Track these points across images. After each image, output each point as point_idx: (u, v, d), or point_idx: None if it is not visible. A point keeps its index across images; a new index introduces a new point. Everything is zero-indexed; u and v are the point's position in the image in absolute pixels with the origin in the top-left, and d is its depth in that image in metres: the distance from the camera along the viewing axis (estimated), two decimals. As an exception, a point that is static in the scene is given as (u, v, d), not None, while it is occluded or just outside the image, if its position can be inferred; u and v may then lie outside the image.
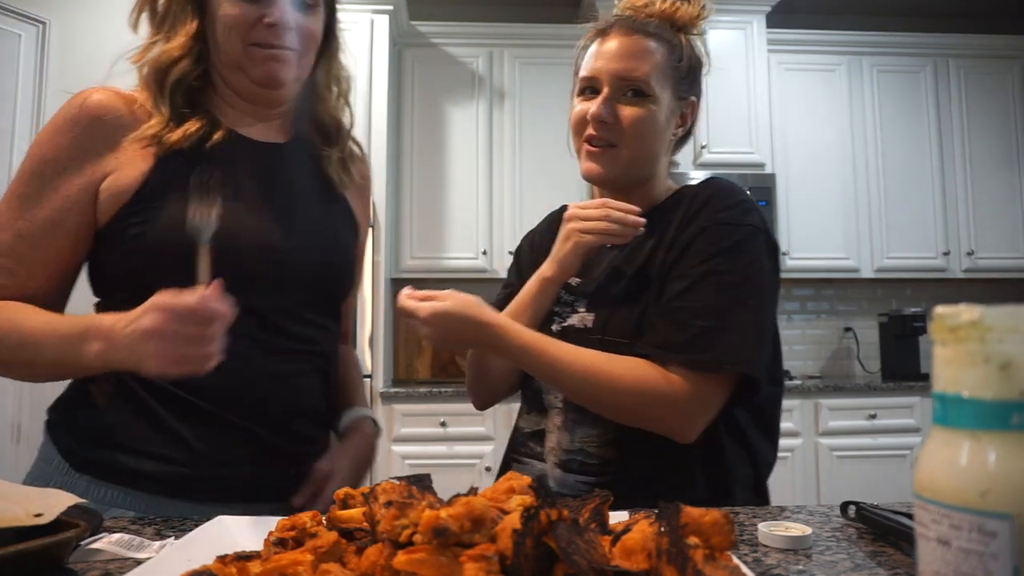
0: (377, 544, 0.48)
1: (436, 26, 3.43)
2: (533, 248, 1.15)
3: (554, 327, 1.00)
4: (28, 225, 0.83)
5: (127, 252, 0.83)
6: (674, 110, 0.98)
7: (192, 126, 0.86)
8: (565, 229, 0.97)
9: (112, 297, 0.87)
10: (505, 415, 2.97)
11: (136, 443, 0.81)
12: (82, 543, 0.58)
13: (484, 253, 3.37)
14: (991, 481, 0.30)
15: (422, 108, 3.42)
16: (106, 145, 0.84)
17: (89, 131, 0.84)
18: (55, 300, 0.86)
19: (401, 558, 0.43)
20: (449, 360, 3.59)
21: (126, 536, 0.62)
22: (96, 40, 2.54)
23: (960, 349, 0.32)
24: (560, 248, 0.97)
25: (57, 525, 0.52)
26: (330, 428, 0.99)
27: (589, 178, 0.99)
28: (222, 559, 0.48)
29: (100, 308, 0.89)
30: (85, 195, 0.83)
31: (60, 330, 0.77)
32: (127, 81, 0.92)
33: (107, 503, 0.80)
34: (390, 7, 3.15)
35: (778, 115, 3.44)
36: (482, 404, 1.15)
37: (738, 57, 3.40)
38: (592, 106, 0.94)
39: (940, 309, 0.33)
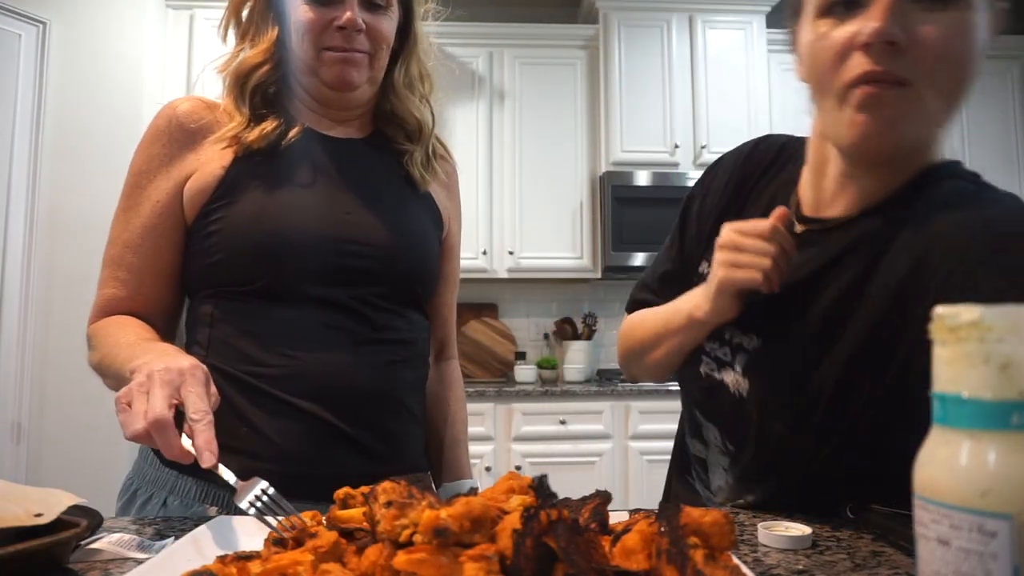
0: (377, 544, 0.48)
1: (436, 26, 3.42)
2: (700, 217, 0.86)
3: (702, 369, 0.81)
4: (130, 235, 0.88)
5: (208, 248, 0.85)
6: (990, 16, 0.64)
7: (269, 125, 0.89)
8: (716, 259, 0.73)
9: (197, 295, 0.89)
10: (504, 416, 2.98)
11: (220, 437, 0.78)
12: (82, 543, 0.58)
13: (484, 253, 3.37)
14: (991, 481, 0.30)
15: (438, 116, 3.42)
16: (189, 148, 0.88)
17: (174, 137, 0.89)
18: (170, 307, 0.90)
19: (401, 558, 0.44)
20: (449, 360, 3.59)
21: (127, 536, 0.62)
22: (96, 40, 2.54)
23: (959, 349, 0.32)
24: (710, 284, 0.74)
25: (57, 525, 0.52)
26: (422, 431, 0.97)
27: (863, 146, 0.65)
28: (222, 559, 0.48)
29: (190, 307, 0.90)
30: (173, 197, 0.87)
31: (122, 344, 0.78)
32: (214, 90, 0.96)
33: (191, 498, 0.81)
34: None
35: (778, 115, 3.44)
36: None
37: (738, 57, 3.40)
38: (870, 20, 0.60)
39: (940, 309, 0.33)
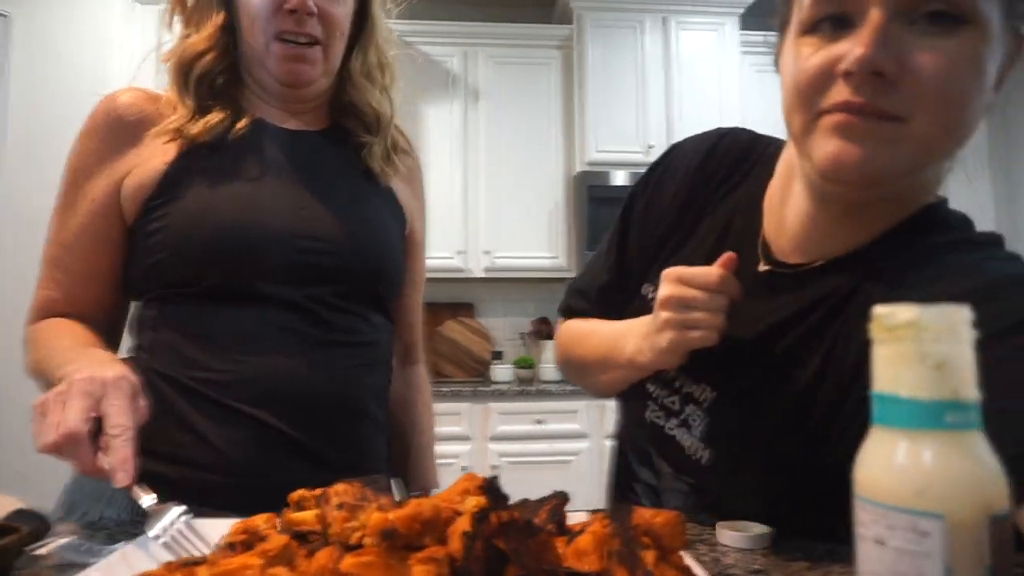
0: (328, 547, 0.48)
1: (411, 25, 3.41)
2: (646, 220, 0.79)
3: (648, 415, 0.74)
4: (66, 235, 0.84)
5: (150, 247, 0.81)
6: (1002, 46, 0.56)
7: (215, 117, 0.85)
8: (659, 317, 0.65)
9: (141, 297, 0.85)
10: (481, 415, 2.97)
11: (163, 447, 0.76)
12: (27, 549, 0.57)
13: (460, 252, 3.36)
14: (925, 481, 0.30)
15: (401, 103, 3.40)
16: (128, 143, 0.84)
17: (112, 132, 0.84)
18: (110, 309, 0.86)
19: (349, 561, 0.43)
20: (426, 359, 3.57)
21: (76, 541, 0.61)
22: (59, 33, 2.49)
23: (896, 349, 0.32)
24: (652, 337, 0.66)
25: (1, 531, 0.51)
26: (386, 438, 0.94)
27: (838, 175, 0.57)
28: (168, 565, 0.47)
29: (134, 310, 0.87)
30: (111, 196, 0.83)
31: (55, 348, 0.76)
32: (159, 81, 0.91)
33: (131, 512, 0.76)
34: (364, 5, 3.12)
35: (750, 116, 3.47)
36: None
37: (711, 58, 3.43)
38: (855, 46, 0.53)
39: (879, 308, 0.33)
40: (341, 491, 0.53)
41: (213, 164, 0.83)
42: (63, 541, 0.60)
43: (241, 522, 0.57)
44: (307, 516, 0.53)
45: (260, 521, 0.57)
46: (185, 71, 0.86)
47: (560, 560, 0.47)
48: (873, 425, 0.34)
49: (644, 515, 0.46)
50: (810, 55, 0.57)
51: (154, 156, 0.83)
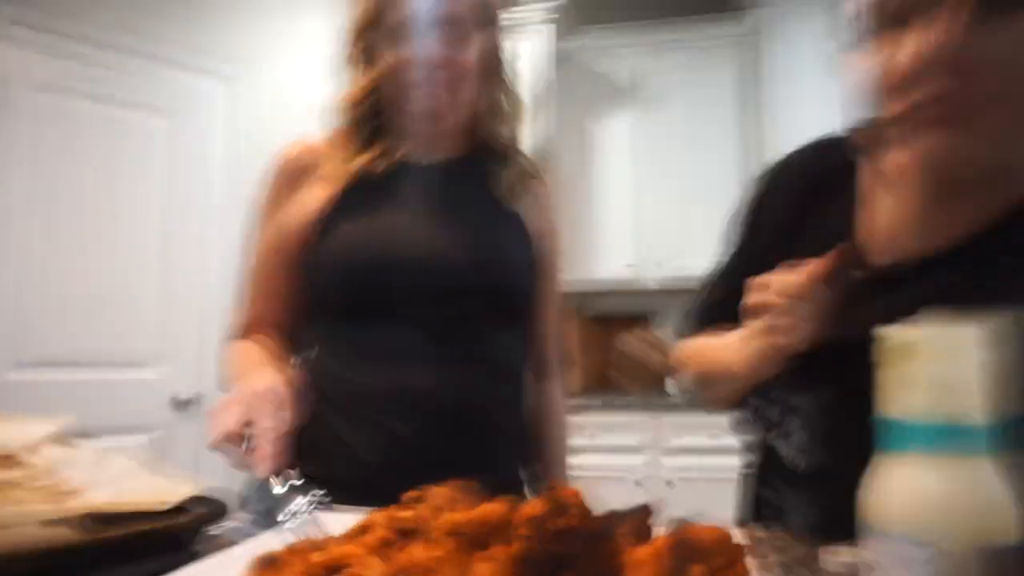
0: (420, 542, 0.54)
1: (581, 40, 3.49)
2: (756, 229, 0.80)
3: (752, 427, 0.77)
4: (251, 267, 1.02)
5: (310, 275, 0.96)
6: None
7: (362, 159, 0.98)
8: (748, 325, 0.67)
9: (307, 317, 1.00)
10: (655, 428, 2.94)
11: (313, 450, 0.88)
12: (205, 528, 0.70)
13: (633, 264, 3.35)
14: (915, 507, 0.30)
15: (570, 122, 3.49)
16: (295, 188, 1.00)
17: (282, 179, 1.02)
18: (286, 327, 1.01)
19: (421, 554, 0.49)
20: (601, 372, 3.60)
21: (244, 526, 0.73)
22: (285, 91, 2.89)
23: (895, 371, 0.32)
24: (744, 346, 0.67)
25: (181, 511, 0.64)
26: (521, 452, 1.01)
27: (927, 168, 0.58)
28: (292, 547, 0.56)
29: (302, 330, 1.02)
30: (281, 236, 0.99)
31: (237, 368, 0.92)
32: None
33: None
34: (537, 27, 3.25)
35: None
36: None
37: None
38: (920, 46, 0.53)
39: (881, 330, 0.33)
40: (437, 493, 0.59)
41: (361, 200, 0.96)
42: (234, 524, 0.73)
43: (366, 518, 0.65)
44: (408, 514, 0.60)
45: (379, 517, 0.65)
46: (343, 117, 1.01)
47: (620, 569, 0.49)
48: (877, 450, 0.33)
49: (697, 531, 0.47)
50: (880, 54, 0.57)
51: (314, 198, 0.98)
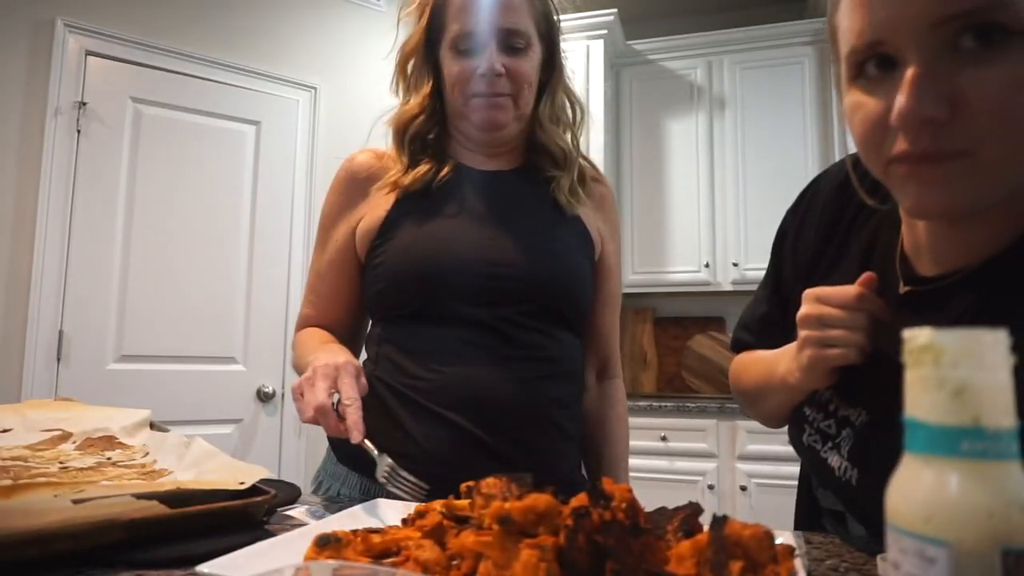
0: (471, 528, 0.57)
1: (653, 43, 3.47)
2: (796, 251, 0.80)
3: (806, 439, 0.73)
4: (320, 267, 1.08)
5: (374, 278, 1.01)
6: None
7: (423, 169, 1.02)
8: (800, 334, 0.66)
9: (372, 317, 1.07)
10: (728, 432, 2.88)
11: (379, 440, 0.91)
12: (279, 509, 0.75)
13: (707, 266, 3.30)
14: (934, 508, 0.30)
15: (641, 124, 3.48)
16: (360, 196, 1.05)
17: (348, 187, 1.06)
18: (351, 326, 1.08)
19: (471, 538, 0.52)
20: (675, 374, 3.56)
21: (314, 508, 0.78)
22: (358, 101, 3.01)
23: (917, 373, 0.32)
24: (797, 357, 0.68)
25: (256, 492, 0.69)
26: (576, 445, 1.03)
27: (928, 218, 0.60)
28: (354, 531, 0.60)
29: (369, 329, 1.09)
30: (349, 239, 1.04)
31: (306, 348, 0.98)
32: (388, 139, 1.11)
33: (359, 491, 0.97)
34: (604, 31, 3.26)
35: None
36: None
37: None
38: (899, 98, 0.50)
39: (905, 331, 0.33)
40: (490, 483, 0.62)
41: (421, 208, 1.00)
42: (305, 507, 0.78)
43: (423, 505, 0.69)
44: (463, 503, 0.63)
45: (437, 504, 0.69)
46: (402, 131, 1.04)
47: (664, 562, 0.50)
48: (904, 451, 0.33)
49: (736, 527, 0.47)
50: (861, 107, 0.54)
51: (378, 206, 1.02)
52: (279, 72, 2.89)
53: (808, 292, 0.65)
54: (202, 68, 2.75)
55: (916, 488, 0.31)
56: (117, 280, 2.55)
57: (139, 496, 0.61)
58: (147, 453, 0.92)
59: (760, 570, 0.46)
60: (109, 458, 0.86)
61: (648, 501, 0.59)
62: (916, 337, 0.32)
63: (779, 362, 0.73)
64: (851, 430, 0.67)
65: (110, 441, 0.96)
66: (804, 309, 0.65)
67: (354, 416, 0.78)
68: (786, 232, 0.82)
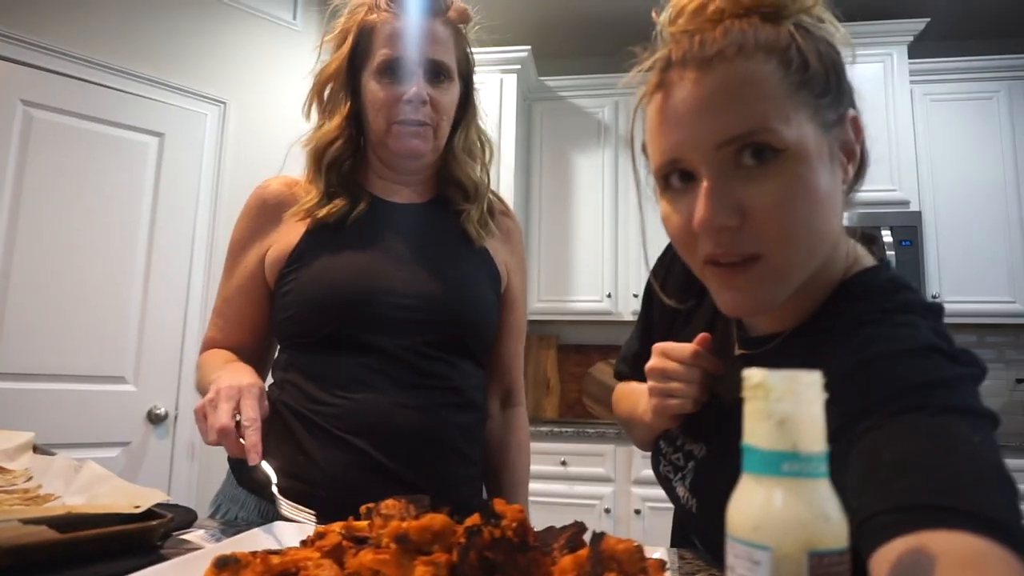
0: (369, 548, 0.60)
1: (563, 80, 3.61)
2: (661, 301, 0.86)
3: (661, 469, 0.81)
4: (227, 292, 1.07)
5: (283, 305, 1.01)
6: (826, 147, 0.59)
7: (338, 204, 1.02)
8: (647, 385, 0.76)
9: (279, 343, 1.07)
10: (625, 458, 2.99)
11: (283, 464, 0.93)
12: (175, 533, 0.75)
13: (609, 296, 3.43)
14: (761, 519, 0.36)
15: (550, 157, 3.60)
16: (271, 223, 1.06)
17: (258, 214, 1.07)
18: (256, 351, 1.07)
19: (369, 556, 0.55)
20: (576, 400, 3.66)
21: (210, 531, 0.78)
22: (270, 118, 2.97)
23: (752, 406, 0.38)
24: (650, 399, 0.77)
25: (151, 516, 0.69)
26: (477, 471, 1.06)
27: (740, 316, 0.69)
28: (253, 552, 0.61)
29: (279, 354, 1.08)
30: (257, 265, 1.05)
31: (210, 367, 0.98)
32: (303, 162, 1.10)
33: (257, 514, 0.97)
34: (518, 66, 3.37)
35: (923, 149, 3.23)
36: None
37: (877, 91, 3.25)
38: (698, 209, 0.58)
39: (745, 371, 0.39)
40: (389, 505, 0.65)
41: (333, 240, 1.01)
42: (203, 530, 0.78)
43: (323, 527, 0.71)
44: (362, 524, 0.66)
45: (336, 526, 0.71)
46: (320, 156, 1.05)
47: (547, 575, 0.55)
48: (734, 476, 0.39)
49: (611, 543, 0.53)
50: (669, 217, 0.63)
51: (288, 233, 1.03)
52: (186, 84, 2.82)
53: (656, 346, 0.75)
54: (102, 75, 2.63)
55: (749, 503, 0.37)
56: (-5, 293, 2.39)
57: (26, 521, 0.60)
58: (30, 478, 0.89)
59: (631, 580, 0.51)
60: (-12, 483, 0.83)
61: (548, 524, 0.64)
62: (752, 376, 0.38)
63: (640, 401, 0.82)
64: (694, 462, 0.75)
65: (-13, 465, 0.92)
66: (651, 362, 0.75)
67: (253, 438, 0.79)
68: (655, 277, 0.88)
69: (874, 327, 0.60)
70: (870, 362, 0.56)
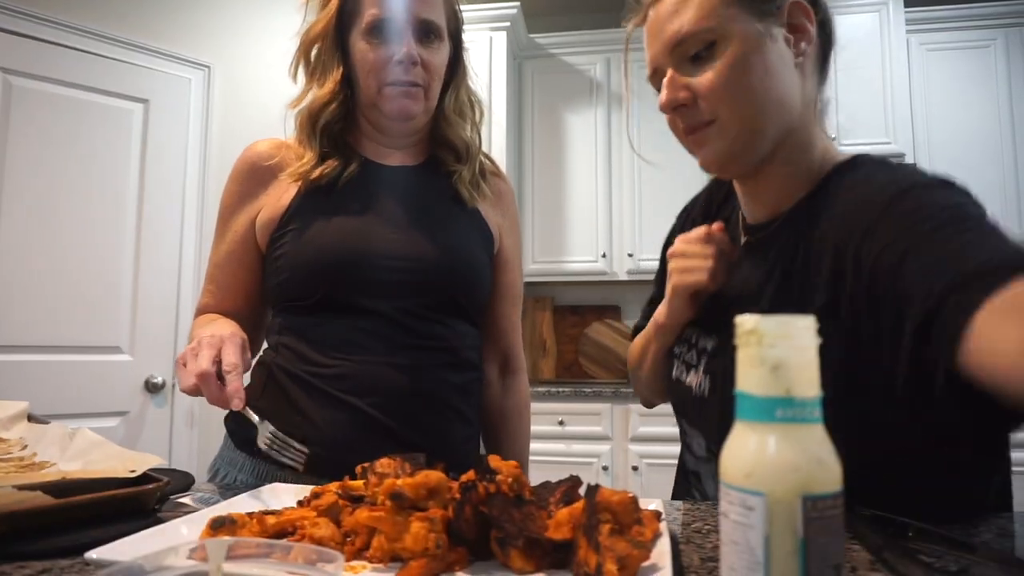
0: (365, 505, 0.60)
1: (554, 37, 3.54)
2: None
3: (674, 373, 0.89)
4: (218, 258, 1.06)
5: (277, 269, 1.00)
6: (767, 35, 0.73)
7: (330, 165, 1.01)
8: (669, 267, 0.86)
9: (273, 307, 1.06)
10: (622, 415, 3.02)
11: (280, 425, 0.91)
12: (172, 496, 0.75)
13: (604, 256, 3.43)
14: (753, 464, 0.36)
15: (542, 117, 3.55)
16: (260, 185, 1.04)
17: (248, 177, 1.05)
18: (248, 316, 1.05)
19: (365, 514, 0.55)
20: (573, 361, 3.68)
21: (207, 495, 0.78)
22: (256, 82, 2.91)
23: (745, 353, 0.38)
24: (667, 295, 0.87)
25: (147, 480, 0.69)
26: (474, 430, 1.06)
27: (709, 171, 0.81)
28: (249, 513, 0.61)
29: (269, 318, 1.07)
30: (249, 229, 1.03)
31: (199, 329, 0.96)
32: (290, 125, 1.08)
33: (255, 477, 0.97)
34: (507, 24, 3.30)
35: (919, 101, 3.19)
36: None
37: (873, 41, 3.20)
38: (661, 94, 0.76)
39: (737, 317, 0.39)
40: (384, 463, 0.65)
41: (326, 202, 1.00)
42: (200, 494, 0.78)
43: (320, 487, 0.71)
44: (358, 483, 0.66)
45: (332, 486, 0.71)
46: (313, 120, 1.02)
47: (543, 529, 0.55)
48: (735, 418, 0.39)
49: (606, 495, 0.53)
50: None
51: (281, 196, 1.01)
52: (169, 48, 2.75)
53: (678, 236, 0.87)
54: (83, 40, 2.57)
55: (742, 449, 0.37)
56: (-14, 265, 2.36)
57: (21, 487, 0.60)
58: (25, 446, 0.89)
59: (627, 531, 0.51)
60: (-17, 452, 0.83)
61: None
62: (745, 322, 0.38)
63: (656, 316, 0.90)
64: (706, 355, 0.84)
65: (-18, 435, 0.92)
66: (672, 248, 0.86)
67: (235, 383, 0.78)
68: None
69: (875, 168, 0.74)
70: (896, 194, 0.66)
